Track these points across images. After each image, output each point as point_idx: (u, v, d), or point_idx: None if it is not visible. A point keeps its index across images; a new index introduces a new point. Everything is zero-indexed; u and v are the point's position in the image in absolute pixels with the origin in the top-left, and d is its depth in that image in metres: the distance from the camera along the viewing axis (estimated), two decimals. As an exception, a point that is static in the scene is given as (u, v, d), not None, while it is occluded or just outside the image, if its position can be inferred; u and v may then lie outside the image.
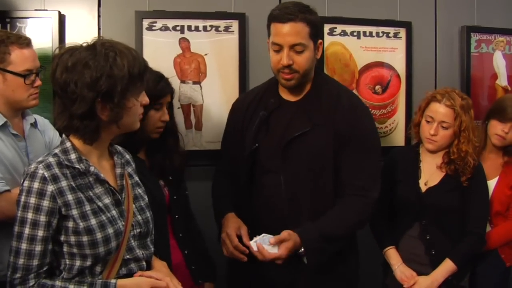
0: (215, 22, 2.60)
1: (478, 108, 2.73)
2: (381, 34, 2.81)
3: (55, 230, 1.44)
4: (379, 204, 2.38)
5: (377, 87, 2.82)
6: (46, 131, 2.08)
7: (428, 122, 2.29)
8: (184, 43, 2.58)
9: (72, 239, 1.44)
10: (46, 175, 1.42)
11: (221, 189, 2.19)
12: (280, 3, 2.62)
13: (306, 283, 2.01)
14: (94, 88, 1.41)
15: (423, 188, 2.30)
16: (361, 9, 2.79)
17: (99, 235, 1.45)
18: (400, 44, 2.84)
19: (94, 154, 1.54)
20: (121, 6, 2.54)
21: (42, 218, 1.41)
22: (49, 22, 2.44)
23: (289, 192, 1.99)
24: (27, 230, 1.41)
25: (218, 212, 2.12)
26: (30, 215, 1.41)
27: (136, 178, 1.70)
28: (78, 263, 1.46)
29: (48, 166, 1.43)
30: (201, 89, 2.61)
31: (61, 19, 2.47)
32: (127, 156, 1.71)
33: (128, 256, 1.54)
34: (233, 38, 2.62)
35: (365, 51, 2.80)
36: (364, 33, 2.79)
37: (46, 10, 2.46)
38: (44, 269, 1.45)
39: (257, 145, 2.05)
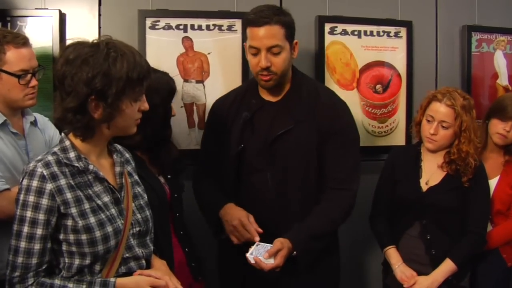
0: (218, 21, 2.60)
1: (479, 108, 2.71)
2: (381, 33, 2.80)
3: (54, 228, 1.44)
4: (379, 203, 2.40)
5: (378, 86, 2.81)
6: (46, 130, 2.08)
7: (428, 121, 2.28)
8: (187, 42, 2.58)
9: (71, 237, 1.44)
10: (45, 173, 1.42)
11: (209, 186, 2.22)
12: (281, 3, 2.64)
13: (297, 273, 2.05)
14: (89, 85, 1.41)
15: (424, 188, 2.30)
16: (361, 8, 2.78)
17: (98, 234, 1.45)
18: (401, 44, 2.83)
19: (93, 153, 1.54)
20: (122, 5, 2.53)
21: (41, 216, 1.41)
22: (49, 21, 2.44)
23: (276, 189, 2.07)
24: (26, 229, 1.41)
25: (212, 206, 2.14)
26: (29, 213, 1.41)
27: (136, 177, 1.70)
28: (77, 261, 1.46)
29: (47, 165, 1.43)
30: (204, 88, 2.61)
31: (62, 18, 2.47)
32: (127, 155, 1.71)
33: (127, 255, 1.54)
34: (236, 37, 2.62)
35: (366, 50, 2.79)
36: (365, 32, 2.78)
37: (47, 9, 2.46)
38: (43, 267, 1.45)
39: (242, 145, 2.10)
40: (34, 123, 2.03)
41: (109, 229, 1.48)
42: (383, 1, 2.83)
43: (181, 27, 2.57)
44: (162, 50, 2.55)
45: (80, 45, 1.45)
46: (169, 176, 2.11)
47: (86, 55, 1.42)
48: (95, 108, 1.45)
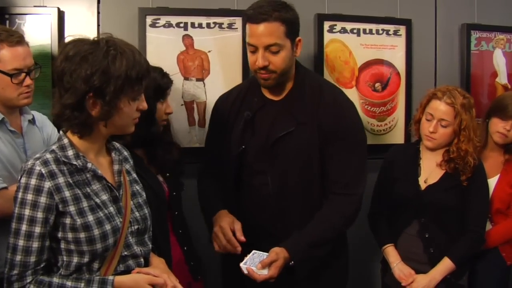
0: (219, 19, 2.60)
1: (478, 106, 2.71)
2: (381, 32, 2.80)
3: (52, 226, 1.44)
4: (378, 202, 2.39)
5: (377, 84, 2.81)
6: (44, 128, 2.08)
7: (428, 119, 2.28)
8: (188, 40, 2.58)
9: (70, 235, 1.44)
10: (43, 172, 1.41)
11: (209, 189, 2.17)
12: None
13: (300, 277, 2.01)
14: (87, 82, 1.41)
15: (423, 186, 2.30)
16: (361, 6, 2.78)
17: (96, 232, 1.45)
18: (400, 42, 2.83)
19: (91, 151, 1.54)
20: (120, 2, 2.53)
21: (39, 215, 1.41)
22: (48, 18, 2.43)
23: (276, 191, 2.00)
24: (24, 227, 1.41)
25: (209, 210, 2.10)
26: (27, 212, 1.41)
27: (134, 175, 1.70)
28: (75, 259, 1.46)
29: (45, 163, 1.43)
30: (204, 86, 2.61)
31: (60, 15, 2.46)
32: (125, 153, 1.71)
33: (126, 253, 1.54)
34: (237, 35, 2.62)
35: (365, 48, 2.79)
36: (364, 30, 2.78)
37: (45, 6, 2.45)
38: (42, 265, 1.44)
39: (243, 146, 2.05)
40: (32, 121, 2.03)
41: (108, 227, 1.48)
42: (382, -1, 2.83)
43: (182, 25, 2.57)
44: (162, 48, 2.55)
45: (80, 42, 1.45)
46: (168, 175, 2.10)
47: (86, 52, 1.42)
48: (93, 105, 1.45)
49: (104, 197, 1.52)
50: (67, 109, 1.44)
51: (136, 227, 1.58)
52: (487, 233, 2.35)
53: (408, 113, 2.83)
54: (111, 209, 1.52)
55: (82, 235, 1.43)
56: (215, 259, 2.26)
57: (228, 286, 2.27)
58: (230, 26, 2.61)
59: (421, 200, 2.26)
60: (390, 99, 2.84)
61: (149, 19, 2.53)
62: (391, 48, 2.83)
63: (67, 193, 1.44)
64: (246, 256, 1.90)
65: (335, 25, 2.74)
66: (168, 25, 2.55)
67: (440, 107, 2.24)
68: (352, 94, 2.74)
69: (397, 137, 2.86)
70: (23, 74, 1.88)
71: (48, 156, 1.46)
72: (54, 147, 1.50)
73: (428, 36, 2.90)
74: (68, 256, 1.46)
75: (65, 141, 1.50)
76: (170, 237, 2.06)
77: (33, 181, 1.41)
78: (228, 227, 1.93)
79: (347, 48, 2.77)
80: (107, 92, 1.42)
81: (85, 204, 1.46)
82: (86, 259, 1.46)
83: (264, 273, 1.85)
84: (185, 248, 2.12)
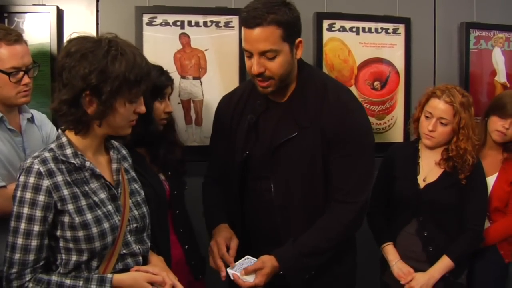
0: (216, 18, 2.60)
1: (477, 105, 2.71)
2: (380, 30, 2.80)
3: (51, 225, 1.44)
4: (377, 200, 2.39)
5: (376, 83, 2.81)
6: (43, 126, 2.08)
7: (427, 118, 2.28)
8: (184, 38, 2.58)
9: (68, 234, 1.44)
10: (42, 170, 1.42)
11: (212, 198, 2.12)
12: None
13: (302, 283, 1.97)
14: (85, 80, 1.41)
15: (422, 184, 2.29)
16: (360, 5, 2.78)
17: (94, 230, 1.45)
18: (399, 40, 2.83)
19: (89, 149, 1.54)
20: (119, 1, 2.53)
21: (38, 213, 1.41)
22: (47, 17, 2.44)
23: (280, 197, 1.93)
24: (23, 225, 1.41)
25: (210, 222, 2.06)
26: (26, 210, 1.41)
27: (133, 173, 1.70)
28: (74, 258, 1.46)
29: (43, 161, 1.44)
30: (201, 84, 2.61)
31: (59, 14, 2.47)
32: (124, 151, 1.71)
33: (124, 251, 1.55)
34: (234, 34, 2.61)
35: (364, 47, 2.79)
36: (363, 29, 2.78)
37: (44, 5, 2.46)
38: (40, 264, 1.45)
39: (247, 152, 1.98)
40: (31, 120, 2.03)
41: (106, 225, 1.48)
42: (381, -2, 2.83)
43: (178, 23, 2.57)
44: (159, 46, 2.55)
45: (83, 40, 1.46)
46: (169, 173, 2.10)
47: (87, 50, 1.43)
48: (89, 103, 1.45)
49: (103, 195, 1.52)
50: (64, 105, 1.45)
51: (134, 225, 1.58)
52: (485, 231, 2.35)
53: (407, 111, 2.83)
54: (110, 207, 1.52)
55: (80, 233, 1.44)
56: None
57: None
58: (227, 24, 2.61)
59: (420, 198, 2.26)
60: (389, 98, 2.84)
61: (145, 18, 2.53)
62: (390, 47, 2.83)
63: (65, 192, 1.44)
64: (237, 261, 1.87)
65: (334, 23, 2.74)
66: (165, 23, 2.56)
67: (439, 106, 2.24)
68: (351, 92, 2.74)
69: (396, 135, 2.87)
70: (21, 73, 1.87)
71: (47, 154, 1.46)
72: (52, 145, 1.50)
73: (427, 35, 2.90)
74: (66, 254, 1.47)
75: (64, 139, 1.50)
76: (171, 236, 2.05)
77: (31, 180, 1.41)
78: (224, 243, 1.89)
79: (346, 47, 2.77)
80: (104, 91, 1.43)
81: (83, 202, 1.46)
82: (84, 257, 1.46)
83: (250, 280, 1.79)
84: (186, 247, 2.11)
